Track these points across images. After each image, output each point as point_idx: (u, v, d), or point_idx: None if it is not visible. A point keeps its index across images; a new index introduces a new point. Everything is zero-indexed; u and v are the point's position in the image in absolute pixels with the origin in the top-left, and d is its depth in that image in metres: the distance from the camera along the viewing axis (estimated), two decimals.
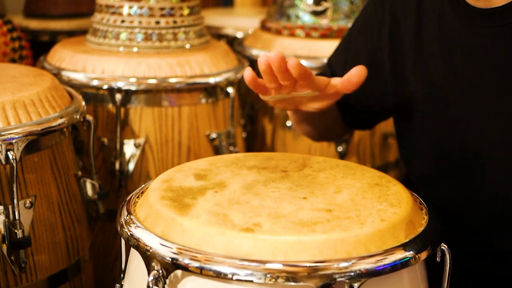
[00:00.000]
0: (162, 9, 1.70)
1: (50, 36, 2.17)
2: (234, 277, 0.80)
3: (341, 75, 1.33)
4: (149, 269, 0.86)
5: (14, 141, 1.20)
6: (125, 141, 1.61)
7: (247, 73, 0.98)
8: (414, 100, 1.20)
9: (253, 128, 2.02)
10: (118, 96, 1.57)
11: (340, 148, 1.87)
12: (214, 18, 2.42)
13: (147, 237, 0.87)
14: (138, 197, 1.00)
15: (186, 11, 1.73)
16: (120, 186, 1.61)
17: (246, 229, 0.84)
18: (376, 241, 0.84)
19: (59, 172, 1.33)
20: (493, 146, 1.10)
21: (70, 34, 2.15)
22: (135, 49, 1.68)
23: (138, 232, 0.89)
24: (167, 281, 0.85)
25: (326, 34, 1.95)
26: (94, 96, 1.61)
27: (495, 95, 1.09)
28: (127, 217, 0.93)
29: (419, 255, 0.85)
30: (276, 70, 0.97)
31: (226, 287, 0.82)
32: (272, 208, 0.91)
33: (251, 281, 0.80)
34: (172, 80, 1.61)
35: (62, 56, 1.69)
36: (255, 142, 2.03)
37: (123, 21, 1.69)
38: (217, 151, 1.68)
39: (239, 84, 1.85)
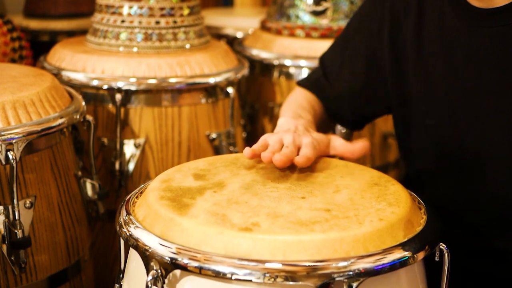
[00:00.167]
0: (162, 9, 1.70)
1: (50, 36, 2.17)
2: (233, 277, 0.80)
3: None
4: (148, 269, 0.86)
5: (14, 141, 1.20)
6: (125, 141, 1.61)
7: (247, 152, 1.05)
8: (414, 99, 1.20)
9: (253, 128, 2.02)
10: (118, 96, 1.57)
11: None
12: (214, 18, 2.42)
13: (146, 237, 0.87)
14: (137, 197, 1.00)
15: (186, 11, 1.74)
16: (120, 186, 1.61)
17: (245, 229, 0.84)
18: (374, 241, 0.84)
19: (59, 172, 1.33)
20: (493, 146, 1.10)
21: (70, 34, 2.15)
22: (135, 49, 1.68)
23: (137, 232, 0.89)
24: (166, 281, 0.85)
25: (326, 34, 1.95)
26: (94, 96, 1.61)
27: (495, 95, 1.09)
28: (126, 217, 0.93)
29: (417, 254, 0.85)
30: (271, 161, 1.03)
31: (225, 287, 0.82)
32: (271, 207, 0.91)
33: (250, 281, 0.80)
34: (172, 80, 1.61)
35: (62, 56, 1.69)
36: (255, 142, 2.03)
37: (123, 21, 1.69)
38: (217, 151, 1.68)
39: (239, 84, 1.86)
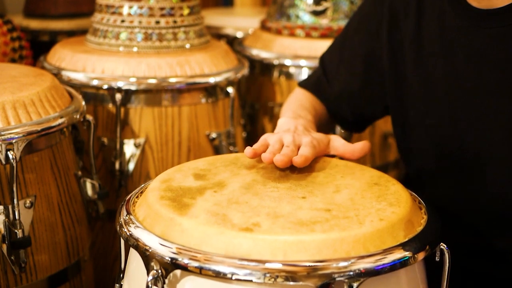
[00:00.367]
0: (162, 9, 1.70)
1: (50, 36, 2.17)
2: (234, 277, 0.80)
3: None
4: (148, 269, 0.86)
5: (14, 141, 1.20)
6: (125, 141, 1.61)
7: (248, 152, 1.05)
8: (413, 100, 1.20)
9: (253, 128, 2.02)
10: (118, 96, 1.57)
11: None
12: (214, 18, 2.42)
13: (146, 237, 0.87)
14: (137, 197, 1.00)
15: (186, 11, 1.74)
16: (120, 186, 1.61)
17: (245, 229, 0.84)
18: (375, 241, 0.84)
19: (59, 172, 1.33)
20: (493, 146, 1.10)
21: (70, 34, 2.15)
22: (135, 49, 1.68)
23: (137, 232, 0.89)
24: (166, 281, 0.85)
25: (326, 34, 1.95)
26: (94, 96, 1.61)
27: (495, 95, 1.09)
28: (126, 217, 0.93)
29: (418, 254, 0.85)
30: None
31: (226, 287, 0.82)
32: (271, 207, 0.91)
33: (251, 281, 0.80)
34: (172, 80, 1.61)
35: (62, 56, 1.69)
36: (255, 142, 2.03)
37: (123, 21, 1.69)
38: (217, 151, 1.68)
39: (239, 84, 1.86)
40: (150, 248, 0.85)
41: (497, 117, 1.09)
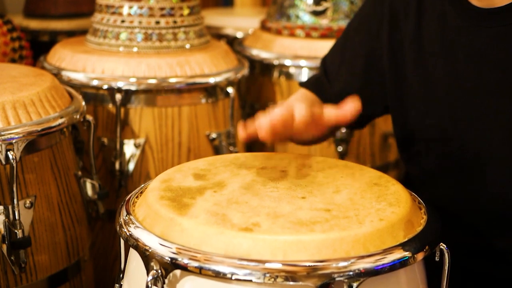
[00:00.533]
0: (162, 9, 1.70)
1: (50, 36, 2.17)
2: (233, 277, 0.80)
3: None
4: (148, 269, 0.86)
5: (14, 141, 1.20)
6: (125, 141, 1.61)
7: (240, 133, 1.02)
8: (414, 100, 1.20)
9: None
10: (118, 96, 1.57)
11: (340, 148, 1.87)
12: (214, 18, 2.42)
13: (146, 237, 0.87)
14: (137, 197, 1.00)
15: (186, 11, 1.74)
16: (120, 186, 1.61)
17: (245, 229, 0.84)
18: (375, 241, 0.84)
19: (59, 172, 1.33)
20: (493, 146, 1.10)
21: (70, 34, 2.15)
22: (135, 49, 1.68)
23: (137, 232, 0.89)
24: (166, 281, 0.85)
25: (326, 34, 1.95)
26: (94, 96, 1.61)
27: (495, 95, 1.09)
28: (126, 217, 0.93)
29: (417, 254, 0.85)
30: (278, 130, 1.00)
31: (225, 287, 0.82)
32: (271, 208, 0.91)
33: (250, 281, 0.80)
34: (172, 80, 1.61)
35: (62, 56, 1.69)
36: (255, 142, 2.03)
37: (123, 21, 1.69)
38: (217, 151, 1.68)
39: (239, 84, 1.86)
40: (150, 248, 0.86)
41: (497, 117, 1.09)
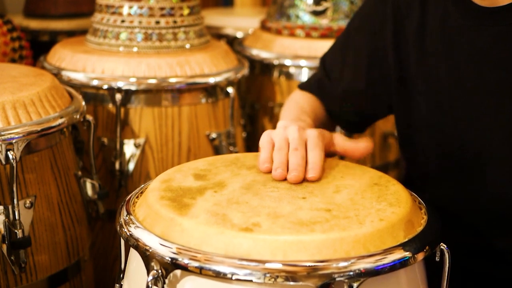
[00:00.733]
0: (162, 9, 1.70)
1: (50, 36, 2.17)
2: (234, 277, 0.80)
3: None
4: (149, 269, 0.86)
5: (14, 141, 1.20)
6: (125, 141, 1.61)
7: (263, 168, 1.03)
8: (416, 99, 1.20)
9: (253, 128, 2.02)
10: (118, 96, 1.57)
11: None
12: (214, 18, 2.42)
13: (146, 237, 0.87)
14: (137, 197, 1.00)
15: (186, 11, 1.74)
16: (120, 186, 1.61)
17: (245, 229, 0.84)
18: (375, 241, 0.84)
19: (59, 172, 1.33)
20: (494, 146, 1.09)
21: (70, 34, 2.15)
22: (135, 49, 1.68)
23: (138, 232, 0.89)
24: (167, 281, 0.85)
25: (326, 34, 1.95)
26: (94, 96, 1.61)
27: (496, 95, 1.08)
28: (127, 217, 0.93)
29: (418, 254, 0.85)
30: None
31: (226, 287, 0.82)
32: (271, 208, 0.91)
33: (251, 281, 0.80)
34: (172, 80, 1.61)
35: (62, 56, 1.69)
36: (255, 142, 2.03)
37: (123, 21, 1.69)
38: (217, 151, 1.68)
39: (239, 84, 1.86)
40: (150, 248, 0.85)
41: (497, 116, 1.09)
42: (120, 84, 1.58)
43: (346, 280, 0.80)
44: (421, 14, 1.18)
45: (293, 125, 1.07)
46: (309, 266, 0.80)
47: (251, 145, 1.95)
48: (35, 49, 1.92)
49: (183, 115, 1.63)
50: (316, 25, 1.96)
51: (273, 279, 0.79)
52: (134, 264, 0.93)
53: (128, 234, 0.89)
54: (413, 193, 1.01)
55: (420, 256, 0.86)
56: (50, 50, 1.77)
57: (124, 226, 0.91)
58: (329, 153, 1.11)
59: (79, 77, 1.61)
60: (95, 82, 1.59)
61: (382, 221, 0.87)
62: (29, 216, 1.25)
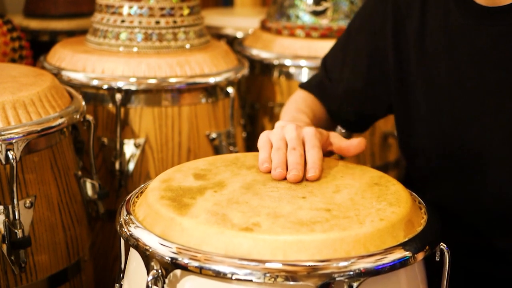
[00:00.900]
0: (162, 9, 1.70)
1: (50, 36, 2.17)
2: (234, 277, 0.80)
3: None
4: (149, 269, 0.86)
5: (14, 141, 1.20)
6: (125, 141, 1.61)
7: (263, 168, 1.03)
8: (416, 99, 1.20)
9: (253, 128, 2.02)
10: (118, 96, 1.57)
11: None
12: (214, 18, 2.42)
13: (146, 236, 0.87)
14: (137, 197, 1.00)
15: (186, 11, 1.74)
16: (120, 186, 1.61)
17: (245, 229, 0.84)
18: (375, 241, 0.84)
19: (59, 172, 1.33)
20: (494, 146, 1.09)
21: (70, 34, 2.15)
22: (135, 49, 1.68)
23: (138, 232, 0.89)
24: (167, 280, 0.85)
25: (326, 34, 1.95)
26: (94, 96, 1.61)
27: (496, 95, 1.08)
28: (127, 217, 0.93)
29: (418, 254, 0.85)
30: None
31: (226, 287, 0.82)
32: (271, 207, 0.91)
33: (251, 281, 0.80)
34: (172, 80, 1.61)
35: (62, 56, 1.69)
36: (255, 142, 2.03)
37: (123, 21, 1.69)
38: (217, 151, 1.68)
39: (239, 84, 1.86)
40: (150, 248, 0.85)
41: (497, 116, 1.09)
42: (120, 84, 1.58)
43: (346, 280, 0.80)
44: (421, 14, 1.18)
45: (290, 124, 1.07)
46: (309, 266, 0.80)
47: (251, 145, 1.95)
48: (35, 49, 1.92)
49: (183, 115, 1.63)
50: (316, 25, 1.96)
51: (273, 279, 0.79)
52: (134, 264, 0.93)
53: (128, 234, 0.89)
54: (413, 193, 1.01)
55: (420, 256, 0.86)
56: (50, 50, 1.77)
57: (124, 226, 0.91)
58: (327, 152, 1.11)
59: (79, 77, 1.61)
60: (95, 82, 1.60)
61: (382, 221, 0.87)
62: (29, 216, 1.25)
